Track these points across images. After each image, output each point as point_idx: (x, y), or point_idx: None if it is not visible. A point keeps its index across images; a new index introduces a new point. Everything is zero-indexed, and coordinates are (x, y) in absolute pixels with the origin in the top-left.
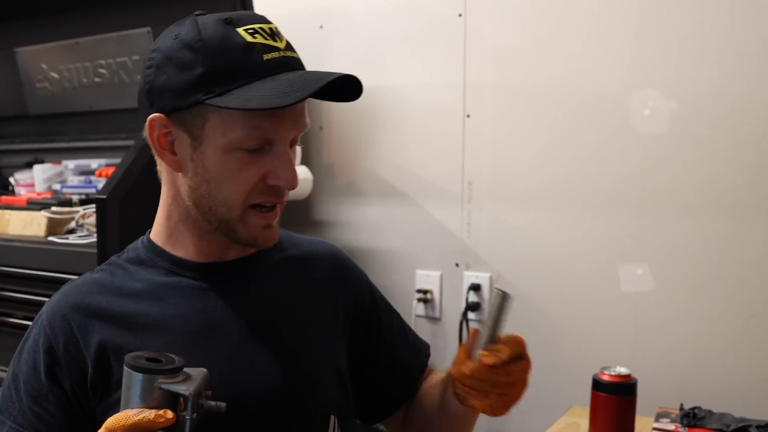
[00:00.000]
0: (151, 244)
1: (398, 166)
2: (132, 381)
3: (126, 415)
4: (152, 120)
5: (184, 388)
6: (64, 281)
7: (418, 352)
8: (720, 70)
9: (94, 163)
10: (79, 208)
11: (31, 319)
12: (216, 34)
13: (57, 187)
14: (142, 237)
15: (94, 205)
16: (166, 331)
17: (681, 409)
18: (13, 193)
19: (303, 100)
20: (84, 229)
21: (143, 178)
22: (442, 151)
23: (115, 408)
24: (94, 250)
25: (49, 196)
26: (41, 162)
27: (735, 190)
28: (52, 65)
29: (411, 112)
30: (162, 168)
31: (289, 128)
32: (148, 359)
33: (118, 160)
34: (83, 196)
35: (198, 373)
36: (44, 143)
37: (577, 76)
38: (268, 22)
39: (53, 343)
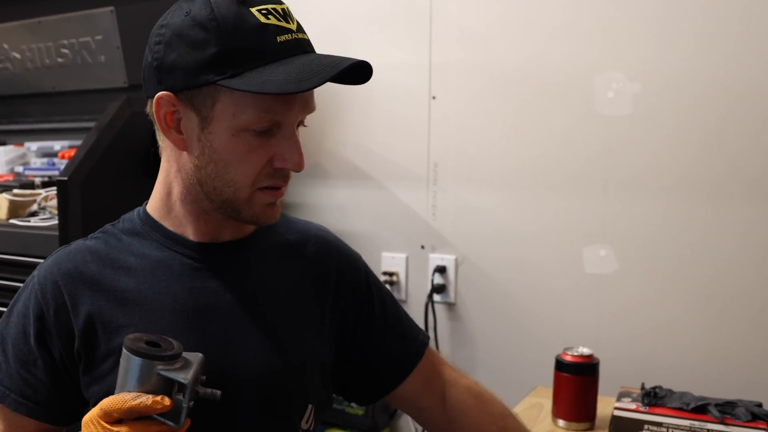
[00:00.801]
0: (148, 217)
1: (364, 148)
2: (131, 364)
3: (123, 399)
4: (160, 98)
5: (182, 377)
6: (26, 264)
7: (414, 338)
8: (684, 54)
9: (57, 145)
10: (42, 191)
11: None
12: (230, 13)
13: (19, 169)
14: (138, 208)
15: (56, 188)
16: (156, 308)
17: (642, 388)
18: None
19: (319, 85)
20: (46, 211)
21: (105, 160)
22: (408, 133)
23: (100, 382)
24: (56, 233)
25: (11, 178)
26: (3, 144)
27: (697, 172)
28: (14, 45)
29: (376, 94)
30: (165, 145)
31: (299, 111)
32: (148, 342)
33: (81, 142)
34: (46, 179)
35: (195, 358)
36: (7, 125)
37: (544, 59)
38: (281, 3)
39: (44, 308)
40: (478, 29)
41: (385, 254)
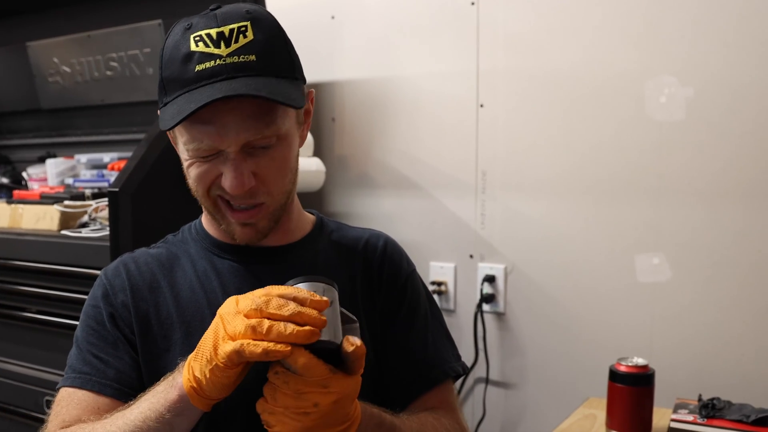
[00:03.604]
0: (200, 227)
1: (411, 157)
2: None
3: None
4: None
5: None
6: (77, 275)
7: (433, 366)
8: (738, 58)
9: (106, 157)
10: (92, 202)
11: (44, 313)
12: (173, 42)
13: (69, 181)
14: (196, 220)
15: (106, 199)
16: (209, 305)
17: (699, 400)
18: (26, 187)
19: (180, 123)
20: (97, 222)
21: (155, 171)
22: (456, 141)
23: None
24: (107, 243)
25: (61, 190)
26: (54, 156)
27: (751, 177)
28: (64, 59)
29: (424, 102)
30: None
31: (234, 135)
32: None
33: (130, 154)
34: (96, 190)
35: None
36: (56, 137)
37: (591, 63)
38: (227, 24)
39: (111, 295)
40: (525, 36)
41: (434, 264)
